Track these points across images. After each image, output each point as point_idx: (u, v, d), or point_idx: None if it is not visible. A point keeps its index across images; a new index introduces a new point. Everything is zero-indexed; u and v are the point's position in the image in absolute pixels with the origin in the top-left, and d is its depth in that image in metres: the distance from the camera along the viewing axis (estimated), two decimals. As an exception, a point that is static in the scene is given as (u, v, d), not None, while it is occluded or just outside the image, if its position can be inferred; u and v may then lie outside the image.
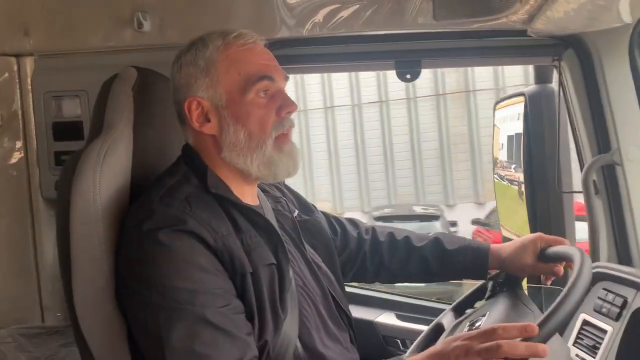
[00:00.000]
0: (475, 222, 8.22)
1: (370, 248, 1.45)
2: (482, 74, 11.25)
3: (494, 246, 1.40)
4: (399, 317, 1.85)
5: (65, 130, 1.67)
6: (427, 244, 1.43)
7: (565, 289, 1.01)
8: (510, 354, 0.89)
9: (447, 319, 1.36)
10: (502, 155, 2.23)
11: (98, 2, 1.60)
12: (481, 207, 10.66)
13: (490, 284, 1.37)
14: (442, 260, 1.41)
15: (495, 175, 2.34)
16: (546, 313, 0.97)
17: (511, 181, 2.08)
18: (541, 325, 0.94)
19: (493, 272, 1.41)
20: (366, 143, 11.86)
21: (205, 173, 1.12)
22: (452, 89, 11.62)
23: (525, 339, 0.91)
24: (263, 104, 1.12)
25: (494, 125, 2.28)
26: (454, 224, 9.23)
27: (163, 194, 1.06)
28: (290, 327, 1.09)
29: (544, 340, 0.93)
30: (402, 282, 1.55)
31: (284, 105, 1.13)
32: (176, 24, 1.59)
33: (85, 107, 1.66)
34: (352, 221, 1.50)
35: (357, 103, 11.84)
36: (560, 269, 1.31)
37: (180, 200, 1.05)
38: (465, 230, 8.62)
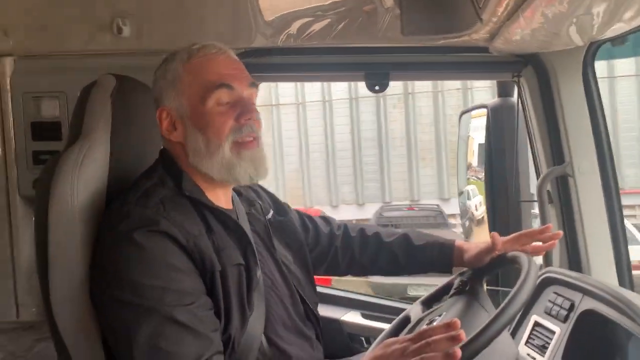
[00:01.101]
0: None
1: (342, 244, 1.52)
2: (286, 90, 11.81)
3: (459, 243, 1.48)
4: (364, 315, 1.92)
5: (44, 130, 1.70)
6: (396, 239, 1.51)
7: (496, 312, 1.08)
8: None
9: (414, 312, 1.43)
10: (474, 161, 2.36)
11: (79, 6, 1.63)
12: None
13: (456, 280, 1.43)
14: (409, 255, 1.49)
15: (473, 177, 2.47)
16: (475, 333, 1.03)
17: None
18: (468, 341, 1.01)
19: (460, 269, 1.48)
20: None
21: (180, 177, 1.18)
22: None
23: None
24: (222, 112, 1.17)
25: (468, 134, 2.40)
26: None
27: (139, 196, 1.12)
28: (256, 323, 1.16)
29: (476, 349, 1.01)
30: (372, 275, 1.63)
31: (243, 112, 1.18)
32: (155, 31, 1.64)
33: (64, 108, 1.69)
34: (325, 219, 1.57)
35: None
36: None
37: (155, 202, 1.11)
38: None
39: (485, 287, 1.45)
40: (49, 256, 1.12)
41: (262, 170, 1.21)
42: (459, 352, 0.96)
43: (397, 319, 1.46)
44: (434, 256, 1.48)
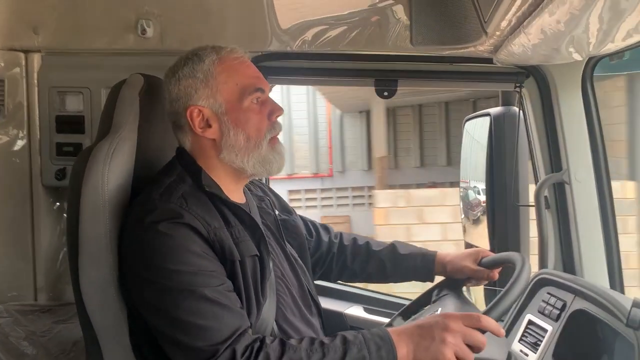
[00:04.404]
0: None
1: (337, 251, 1.62)
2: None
3: (440, 253, 1.59)
4: (366, 310, 2.00)
5: (67, 123, 1.79)
6: (384, 248, 1.61)
7: (508, 285, 1.19)
8: (485, 325, 1.10)
9: (396, 323, 1.52)
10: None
11: (105, 7, 1.72)
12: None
13: (435, 291, 1.53)
14: (395, 263, 1.59)
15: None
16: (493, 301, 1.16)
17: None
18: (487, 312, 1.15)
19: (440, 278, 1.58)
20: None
21: (199, 174, 1.25)
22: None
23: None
24: (257, 110, 1.28)
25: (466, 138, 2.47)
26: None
27: (162, 192, 1.20)
28: (268, 311, 1.24)
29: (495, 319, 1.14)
30: (361, 282, 1.72)
31: (274, 111, 1.30)
32: (177, 33, 1.72)
33: (88, 103, 1.78)
34: (324, 226, 1.67)
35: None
36: (496, 274, 1.51)
37: (177, 197, 1.20)
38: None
39: (464, 293, 1.55)
40: (80, 242, 1.20)
41: (284, 162, 1.32)
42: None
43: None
44: (417, 265, 1.57)
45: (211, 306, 1.11)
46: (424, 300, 1.54)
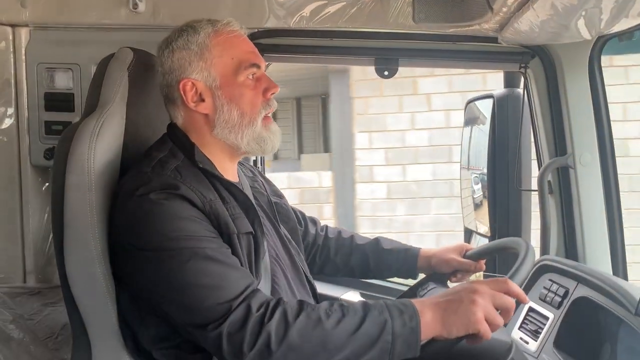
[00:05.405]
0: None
1: (322, 243, 1.60)
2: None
3: (424, 249, 1.57)
4: (363, 295, 1.96)
5: (57, 101, 1.73)
6: (368, 242, 1.59)
7: (519, 259, 1.19)
8: (512, 288, 1.08)
9: None
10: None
11: (95, -20, 1.66)
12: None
13: (420, 287, 1.51)
14: (378, 258, 1.56)
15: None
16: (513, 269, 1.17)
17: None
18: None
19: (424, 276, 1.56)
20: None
21: (192, 149, 1.21)
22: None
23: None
24: (252, 86, 1.24)
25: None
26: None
27: (154, 165, 1.16)
28: (263, 291, 1.20)
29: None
30: (343, 276, 1.69)
31: (269, 87, 1.26)
32: (170, 8, 1.66)
33: (77, 80, 1.71)
34: (312, 219, 1.64)
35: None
36: (482, 265, 1.50)
37: (170, 169, 1.16)
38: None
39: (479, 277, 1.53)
40: (65, 221, 1.16)
41: (279, 141, 1.28)
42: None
43: None
44: (400, 260, 1.55)
45: (216, 265, 1.07)
46: (409, 296, 1.50)
